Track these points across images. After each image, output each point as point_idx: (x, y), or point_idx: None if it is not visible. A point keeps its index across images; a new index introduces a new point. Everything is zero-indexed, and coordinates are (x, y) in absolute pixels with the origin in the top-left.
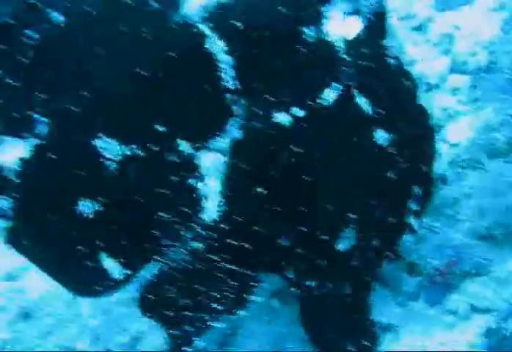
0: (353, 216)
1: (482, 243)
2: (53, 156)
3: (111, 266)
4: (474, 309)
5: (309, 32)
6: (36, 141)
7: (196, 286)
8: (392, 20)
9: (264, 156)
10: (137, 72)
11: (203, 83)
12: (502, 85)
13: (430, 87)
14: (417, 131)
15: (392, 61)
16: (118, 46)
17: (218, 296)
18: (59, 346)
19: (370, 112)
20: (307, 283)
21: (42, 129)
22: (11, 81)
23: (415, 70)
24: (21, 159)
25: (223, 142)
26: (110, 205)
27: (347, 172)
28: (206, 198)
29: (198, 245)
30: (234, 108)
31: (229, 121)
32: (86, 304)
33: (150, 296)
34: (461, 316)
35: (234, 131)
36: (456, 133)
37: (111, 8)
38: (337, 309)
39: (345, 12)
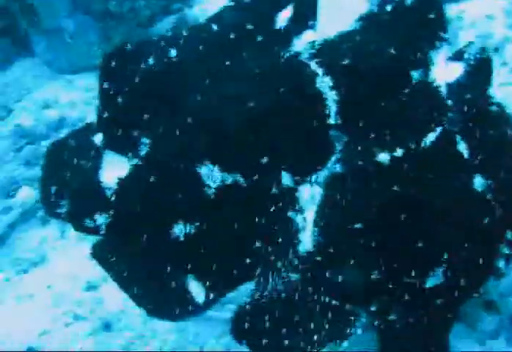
0: (445, 256)
1: None
2: (149, 177)
3: (196, 289)
4: None
5: (416, 75)
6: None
7: (292, 316)
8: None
9: (360, 191)
10: (248, 105)
11: (311, 119)
12: None
13: None
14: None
15: (494, 108)
16: (227, 79)
17: (315, 327)
18: None
19: (469, 157)
20: (390, 317)
21: (145, 151)
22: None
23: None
24: (120, 178)
25: (323, 176)
26: (203, 229)
27: (442, 213)
28: (304, 229)
29: (294, 276)
30: (336, 144)
31: (331, 157)
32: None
33: (243, 322)
34: None
35: (336, 166)
36: None
37: (221, 45)
38: (416, 343)
39: (449, 57)
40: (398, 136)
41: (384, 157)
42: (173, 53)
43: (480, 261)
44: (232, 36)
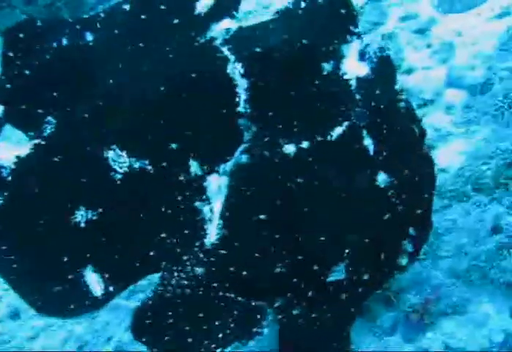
0: (348, 251)
1: (460, 282)
2: (52, 158)
3: (94, 282)
4: (449, 348)
5: (327, 67)
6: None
7: (196, 313)
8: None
9: (265, 183)
10: (158, 89)
11: (220, 106)
12: (494, 114)
13: (425, 102)
14: (418, 177)
15: (402, 104)
16: (140, 61)
17: (221, 325)
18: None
19: (374, 153)
20: (294, 312)
21: (50, 131)
22: (31, 77)
23: (412, 80)
24: (18, 157)
25: (230, 166)
26: (107, 216)
27: (345, 207)
28: (210, 221)
29: (199, 270)
30: (245, 133)
31: (240, 146)
32: None
33: (143, 320)
34: None
35: (242, 156)
36: (446, 157)
37: (137, 28)
38: (319, 338)
39: (359, 53)
40: (306, 128)
41: (289, 148)
42: (89, 36)
43: (382, 256)
44: (143, 16)
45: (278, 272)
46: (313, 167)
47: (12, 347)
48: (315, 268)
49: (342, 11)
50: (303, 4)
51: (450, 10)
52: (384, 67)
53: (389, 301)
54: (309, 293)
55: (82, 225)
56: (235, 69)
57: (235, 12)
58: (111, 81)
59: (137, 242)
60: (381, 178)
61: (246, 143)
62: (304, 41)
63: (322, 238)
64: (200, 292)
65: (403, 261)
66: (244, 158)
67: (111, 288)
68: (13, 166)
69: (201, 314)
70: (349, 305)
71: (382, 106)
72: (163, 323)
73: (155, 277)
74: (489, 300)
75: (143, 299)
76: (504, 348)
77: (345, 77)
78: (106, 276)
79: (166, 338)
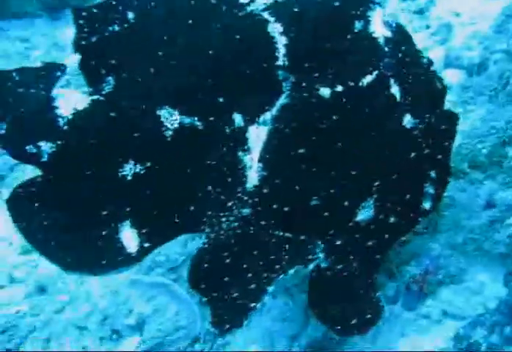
0: (377, 185)
1: (457, 254)
2: (109, 114)
3: (129, 238)
4: (446, 314)
5: (358, 25)
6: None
7: (251, 250)
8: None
9: (303, 122)
10: (207, 53)
11: (262, 60)
12: (489, 94)
13: None
14: (439, 124)
15: (425, 60)
16: (190, 34)
17: (275, 259)
18: (72, 324)
19: (400, 99)
20: (323, 264)
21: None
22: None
23: None
24: (76, 109)
25: (270, 115)
26: (154, 170)
27: (375, 145)
28: (251, 168)
29: (245, 211)
30: (284, 84)
31: (280, 96)
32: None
33: (201, 267)
34: (434, 320)
35: (281, 102)
36: None
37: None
38: (346, 286)
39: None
40: (339, 75)
41: (325, 91)
42: (131, 15)
43: (407, 197)
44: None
45: (314, 205)
46: (347, 107)
47: (40, 320)
48: (346, 203)
49: None
50: None
51: None
52: (404, 34)
53: (392, 273)
54: (338, 241)
55: (129, 178)
56: (274, 28)
57: None
58: (162, 50)
59: (181, 197)
60: (407, 119)
61: (285, 93)
62: (336, 3)
63: (353, 173)
64: (251, 232)
65: (427, 204)
66: (284, 100)
67: (146, 245)
68: (70, 117)
69: (255, 252)
70: (375, 252)
71: (407, 59)
72: (221, 265)
73: (173, 251)
74: (484, 270)
75: (198, 246)
76: (497, 313)
77: (374, 35)
78: (143, 231)
79: (226, 279)
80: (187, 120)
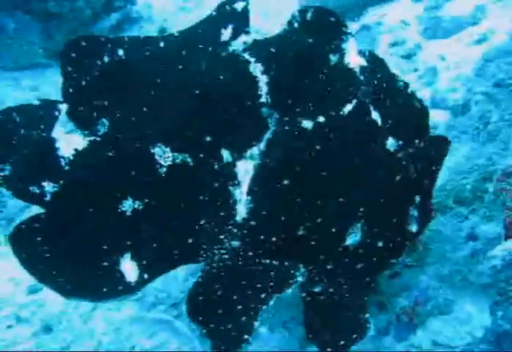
0: (363, 210)
1: (445, 286)
2: (105, 154)
3: (129, 268)
4: (437, 344)
5: (333, 58)
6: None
7: (240, 280)
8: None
9: (287, 154)
10: (193, 94)
11: (246, 99)
12: (472, 133)
13: None
14: (430, 148)
15: (401, 84)
16: (175, 76)
17: (261, 287)
18: None
19: (380, 124)
20: (316, 289)
21: (103, 131)
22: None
23: None
24: (76, 150)
25: (258, 150)
26: (152, 206)
27: (360, 171)
28: (241, 201)
29: (235, 243)
30: (268, 121)
31: (265, 132)
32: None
33: (197, 299)
34: (425, 350)
35: (267, 137)
36: None
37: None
38: (337, 309)
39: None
40: (320, 107)
41: (307, 123)
42: (120, 52)
43: (394, 220)
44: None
45: (301, 234)
46: (329, 136)
47: None
48: (333, 230)
49: (332, 19)
50: (296, 24)
51: (433, 36)
52: (378, 60)
53: (383, 305)
54: (328, 266)
55: (128, 214)
56: (255, 68)
57: (248, 29)
58: (152, 91)
59: (178, 231)
60: (390, 142)
61: (270, 129)
62: (310, 40)
63: (340, 200)
64: (240, 262)
65: (413, 227)
66: (269, 135)
67: (145, 276)
68: (71, 158)
69: (244, 282)
70: (365, 275)
71: (384, 84)
72: (214, 297)
73: (175, 288)
74: (470, 300)
75: (195, 281)
76: (484, 342)
77: (349, 66)
78: (143, 263)
79: (219, 311)
80: (179, 157)
